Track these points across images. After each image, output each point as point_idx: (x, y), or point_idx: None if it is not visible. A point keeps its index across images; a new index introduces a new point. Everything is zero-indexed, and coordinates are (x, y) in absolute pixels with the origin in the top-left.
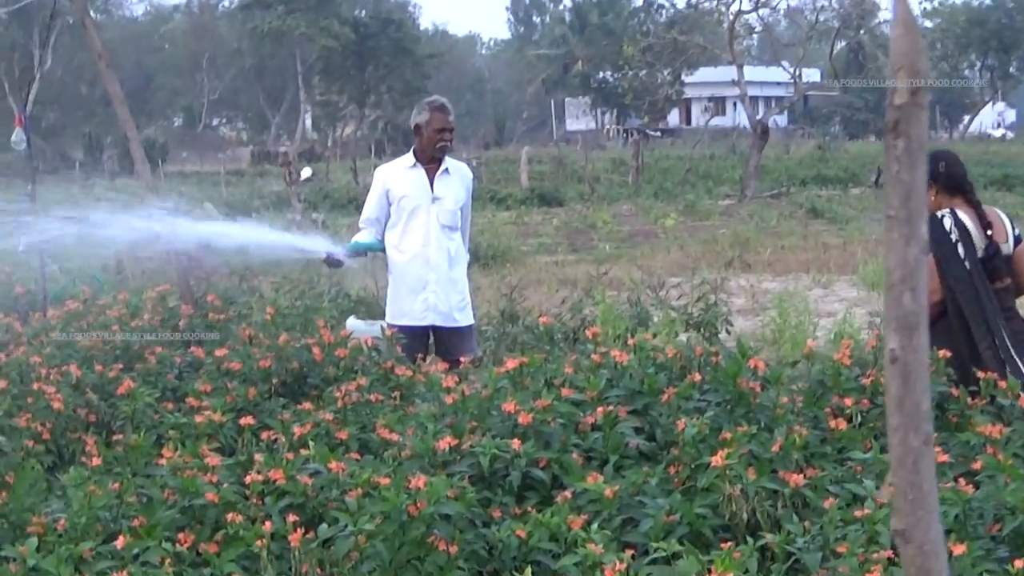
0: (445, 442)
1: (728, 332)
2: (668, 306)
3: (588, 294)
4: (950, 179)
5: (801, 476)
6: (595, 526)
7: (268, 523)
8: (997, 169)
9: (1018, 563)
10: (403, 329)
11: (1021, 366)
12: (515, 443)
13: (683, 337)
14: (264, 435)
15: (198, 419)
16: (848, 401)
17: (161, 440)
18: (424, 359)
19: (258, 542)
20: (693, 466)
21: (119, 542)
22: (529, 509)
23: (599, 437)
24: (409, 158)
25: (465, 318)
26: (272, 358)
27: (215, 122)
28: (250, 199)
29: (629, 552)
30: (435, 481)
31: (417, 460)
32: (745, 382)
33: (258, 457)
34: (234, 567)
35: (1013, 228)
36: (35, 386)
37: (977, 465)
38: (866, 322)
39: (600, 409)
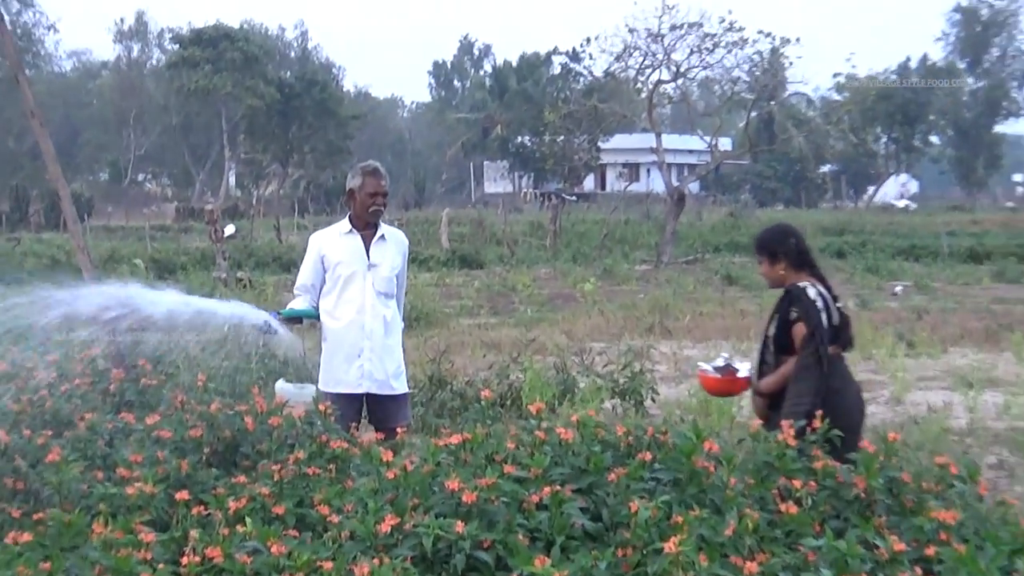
0: (387, 524)
1: (653, 400)
2: (594, 373)
3: (514, 359)
4: (800, 254)
5: (755, 563)
6: None
7: None
8: (903, 239)
9: None
10: (337, 397)
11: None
12: (459, 526)
13: (608, 405)
14: (196, 509)
15: (129, 491)
16: (796, 483)
17: (92, 512)
18: (357, 427)
19: None
20: (644, 551)
21: None
22: None
23: (545, 517)
24: (344, 224)
25: (401, 386)
26: (204, 427)
27: (140, 177)
28: (176, 255)
29: None
30: (379, 569)
31: (359, 543)
32: (700, 462)
33: (193, 534)
34: None
35: None
36: None
37: (931, 551)
38: None
39: (546, 489)
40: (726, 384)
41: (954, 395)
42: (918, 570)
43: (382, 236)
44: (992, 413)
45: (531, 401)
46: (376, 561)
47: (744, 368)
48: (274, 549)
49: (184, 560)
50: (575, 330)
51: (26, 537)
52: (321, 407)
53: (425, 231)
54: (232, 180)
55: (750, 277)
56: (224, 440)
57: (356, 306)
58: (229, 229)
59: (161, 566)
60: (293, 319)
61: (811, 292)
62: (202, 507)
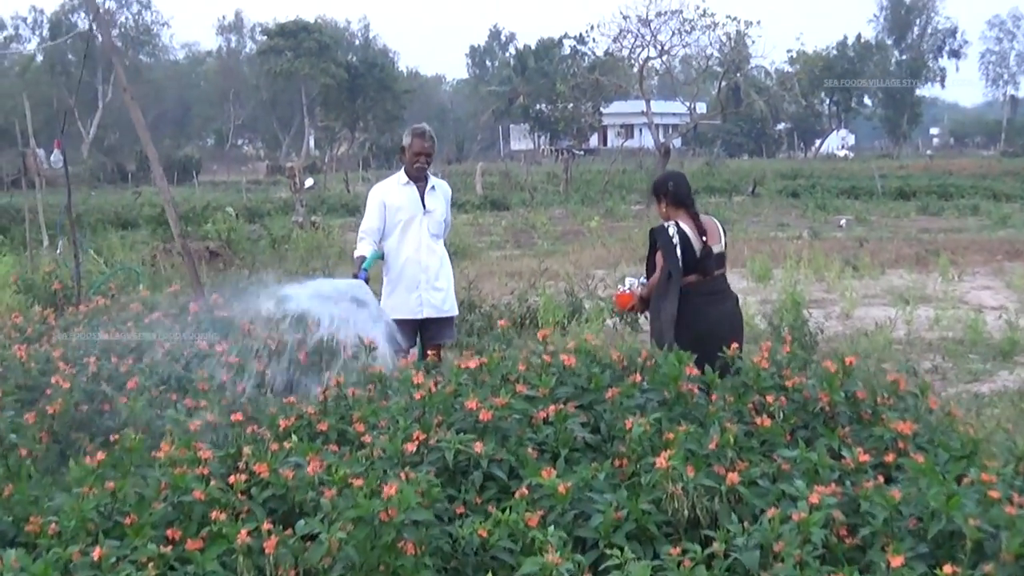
0: (412, 444)
1: (646, 317)
2: (597, 296)
3: (532, 286)
4: (676, 196)
5: (735, 474)
6: (551, 528)
7: (245, 530)
8: (844, 182)
9: (946, 568)
10: (398, 321)
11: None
12: (477, 446)
13: (609, 323)
14: (251, 428)
15: (192, 426)
16: (769, 399)
17: (161, 434)
18: (412, 346)
19: (238, 540)
20: (638, 463)
21: (96, 553)
22: (490, 509)
23: (551, 432)
24: (402, 176)
25: (452, 308)
26: (264, 357)
27: (239, 142)
28: (264, 204)
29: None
30: (404, 488)
31: (388, 460)
32: (684, 385)
33: (246, 450)
34: (216, 566)
35: (725, 232)
36: (53, 379)
37: (890, 458)
38: (758, 310)
39: (552, 407)
40: (624, 298)
41: (893, 310)
42: (880, 478)
43: (432, 187)
44: (925, 325)
45: (546, 322)
46: (403, 476)
47: (631, 284)
48: (311, 466)
49: (231, 479)
50: (582, 260)
51: (100, 457)
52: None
53: (463, 181)
54: (311, 143)
55: (723, 214)
56: (283, 369)
57: (414, 245)
58: (309, 182)
59: (213, 482)
60: (370, 266)
61: (671, 230)
62: (256, 425)
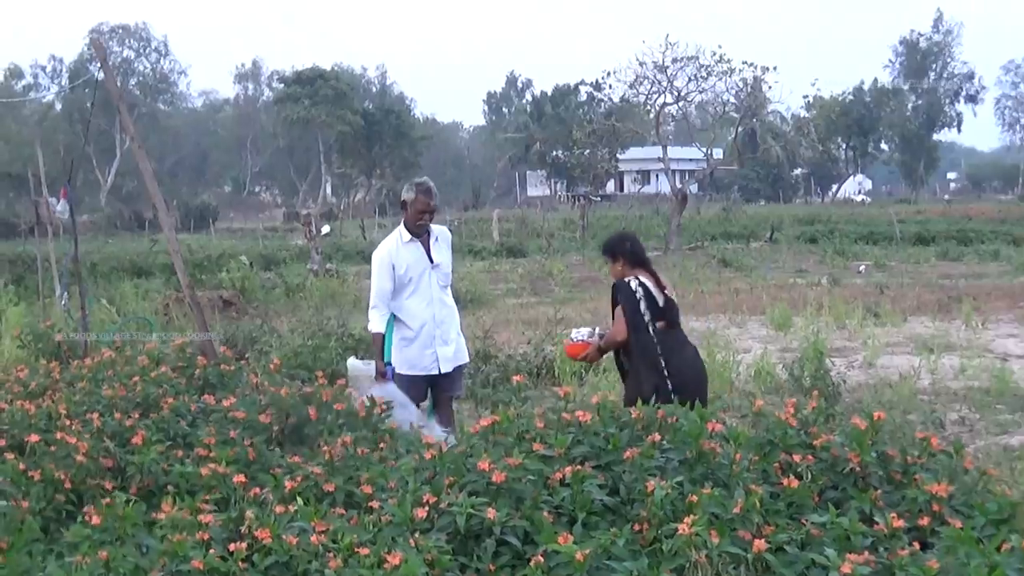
0: (422, 511)
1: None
2: None
3: (548, 335)
4: (634, 255)
5: (762, 540)
6: None
7: None
8: (862, 227)
9: None
10: (412, 378)
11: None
12: (490, 512)
13: None
14: (255, 491)
15: (203, 471)
16: (796, 458)
17: (166, 491)
18: (423, 400)
19: None
20: (660, 529)
21: None
22: None
23: (568, 495)
24: (403, 233)
25: (463, 357)
26: (271, 414)
27: (256, 189)
28: (279, 251)
29: None
30: (411, 558)
31: (397, 527)
32: (706, 443)
33: (249, 513)
34: None
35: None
36: (58, 435)
37: (924, 522)
38: (778, 358)
39: (569, 467)
40: (576, 348)
41: (916, 359)
42: (915, 544)
43: (436, 238)
44: (950, 374)
45: (563, 371)
46: (412, 542)
47: (584, 334)
48: (314, 538)
49: (232, 547)
50: (600, 307)
51: (96, 520)
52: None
53: (479, 227)
54: (328, 189)
55: (741, 260)
56: (290, 424)
57: (426, 301)
58: (325, 229)
59: (213, 551)
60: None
61: (633, 284)
62: (259, 489)
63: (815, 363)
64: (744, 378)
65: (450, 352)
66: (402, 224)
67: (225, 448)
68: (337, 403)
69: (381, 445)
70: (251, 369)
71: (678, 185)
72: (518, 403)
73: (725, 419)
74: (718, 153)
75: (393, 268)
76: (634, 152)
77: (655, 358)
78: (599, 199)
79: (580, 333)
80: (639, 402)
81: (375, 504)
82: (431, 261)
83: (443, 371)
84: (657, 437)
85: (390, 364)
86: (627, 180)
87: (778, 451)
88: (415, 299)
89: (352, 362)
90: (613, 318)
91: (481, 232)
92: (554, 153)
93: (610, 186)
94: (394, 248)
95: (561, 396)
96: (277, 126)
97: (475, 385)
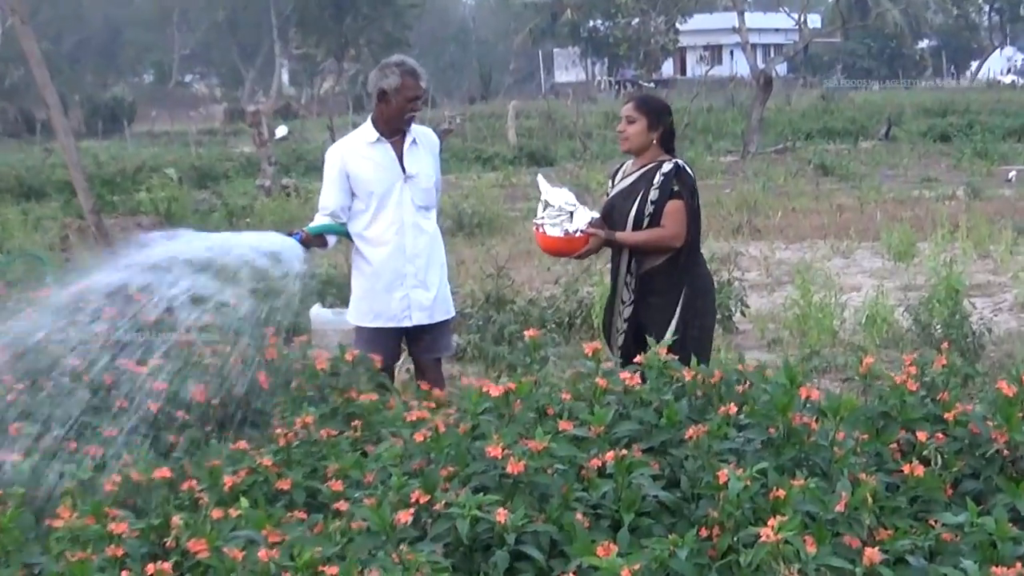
0: (409, 514)
1: (743, 314)
2: None
3: (585, 271)
4: (672, 135)
5: (875, 549)
6: None
7: None
8: (1013, 119)
9: None
10: (376, 332)
11: None
12: (501, 514)
13: None
14: (188, 484)
15: (107, 486)
16: (920, 436)
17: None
18: (395, 366)
19: None
20: (735, 534)
21: None
22: None
23: (609, 490)
24: (369, 131)
25: (448, 310)
26: (207, 385)
27: (187, 78)
28: (220, 161)
29: None
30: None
31: (375, 535)
32: (797, 417)
33: (177, 520)
34: None
35: None
36: None
37: None
38: (898, 299)
39: (611, 452)
40: (575, 242)
41: None
42: None
43: (414, 141)
44: None
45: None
46: (395, 557)
47: (581, 219)
48: (264, 552)
49: (151, 569)
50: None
51: None
52: (348, 356)
53: (491, 126)
54: (285, 78)
55: (846, 166)
56: (235, 397)
57: (395, 226)
58: (281, 131)
59: (126, 572)
60: (319, 237)
61: (692, 173)
62: (192, 483)
63: (948, 306)
64: (851, 327)
65: (427, 298)
66: (369, 120)
67: (146, 440)
68: (296, 368)
69: (355, 424)
70: (178, 325)
71: (760, 65)
72: (537, 365)
73: (824, 384)
74: (814, 21)
75: (348, 177)
76: (700, 20)
77: (709, 282)
78: (652, 85)
79: (562, 213)
80: (690, 354)
81: (345, 505)
82: (403, 171)
83: (419, 323)
84: (732, 409)
85: (302, 236)
86: (690, 59)
87: (896, 427)
88: (379, 222)
89: (317, 312)
90: (637, 211)
91: (493, 133)
92: (591, 23)
93: (667, 67)
94: (353, 148)
95: (589, 354)
96: None
97: (485, 340)
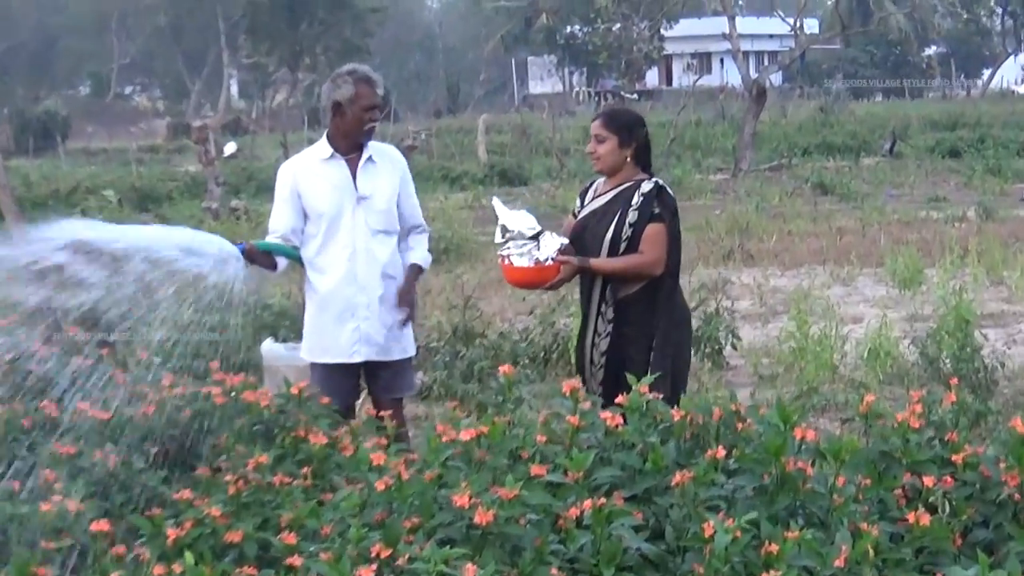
0: (369, 570)
1: (734, 347)
2: None
3: (561, 302)
4: (647, 151)
5: None
6: None
7: None
8: None
9: None
10: (328, 368)
11: None
12: (469, 570)
13: None
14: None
15: (43, 507)
16: (927, 480)
17: None
18: (354, 406)
19: None
20: None
21: None
22: None
23: (588, 542)
24: (324, 147)
25: (404, 349)
26: (151, 418)
27: (127, 90)
28: (162, 182)
29: None
30: None
31: None
32: (792, 461)
33: None
34: None
35: None
36: None
37: None
38: (903, 331)
39: (589, 501)
40: (546, 272)
41: None
42: None
43: (370, 158)
44: None
45: None
46: None
47: (550, 246)
48: None
49: None
50: None
51: None
52: (295, 390)
53: (459, 142)
54: (234, 90)
55: (847, 185)
56: (177, 437)
57: (347, 251)
58: (229, 148)
59: None
60: (267, 255)
61: (671, 193)
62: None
63: (958, 338)
64: (852, 361)
65: (380, 333)
66: (325, 135)
67: (77, 478)
68: (246, 405)
69: (305, 471)
70: (117, 360)
71: (753, 74)
72: (510, 405)
73: (822, 424)
74: (812, 26)
75: (299, 196)
76: (687, 26)
77: (687, 313)
78: (635, 96)
79: (527, 241)
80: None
81: (299, 560)
82: (356, 190)
83: (369, 358)
84: (721, 452)
85: (244, 247)
86: (677, 68)
87: (901, 471)
88: (330, 247)
89: (269, 347)
90: (618, 234)
91: (461, 149)
92: (568, 29)
93: (652, 77)
94: (305, 166)
95: (566, 392)
96: None
97: (452, 379)
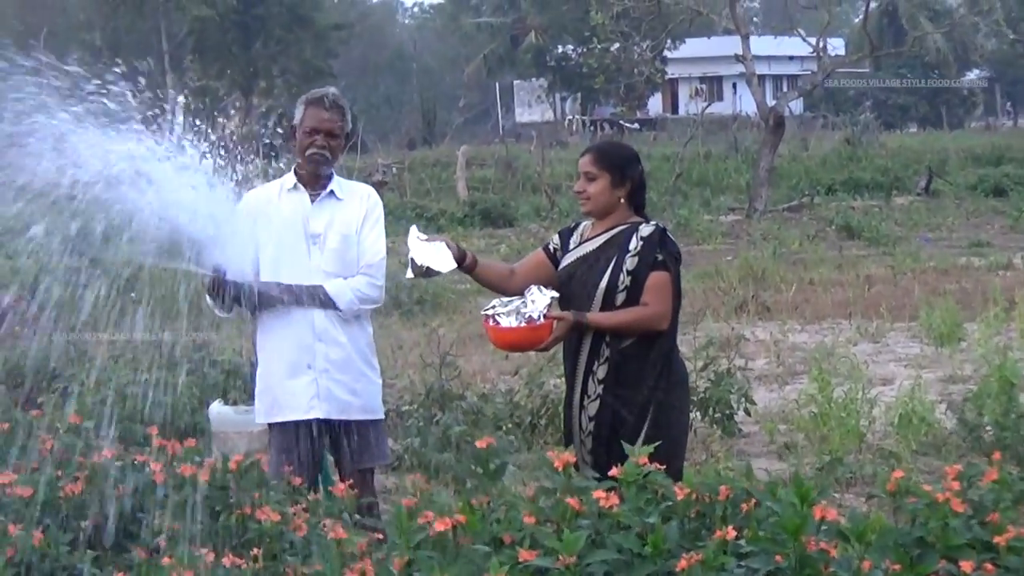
0: None
1: (748, 412)
2: None
3: (550, 361)
4: (643, 189)
5: None
6: None
7: None
8: None
9: None
10: (282, 429)
11: None
12: None
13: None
14: None
15: None
16: (966, 566)
17: None
18: (315, 473)
19: None
20: None
21: None
22: None
23: None
24: (289, 177)
25: (372, 409)
26: (80, 490)
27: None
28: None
29: None
30: None
31: None
32: (813, 541)
33: None
34: None
35: None
36: None
37: None
38: (939, 394)
39: None
40: (539, 331)
41: None
42: None
43: (331, 192)
44: None
45: None
46: None
47: (540, 300)
48: None
49: None
50: None
51: None
52: (233, 464)
53: (435, 176)
54: (179, 117)
55: (877, 227)
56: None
57: None
58: None
59: None
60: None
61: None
62: None
63: (1001, 402)
64: (881, 428)
65: (340, 388)
66: (294, 167)
67: None
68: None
69: (255, 552)
70: (47, 424)
71: (770, 101)
72: (491, 479)
73: (847, 499)
74: (837, 47)
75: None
76: (695, 46)
77: (685, 373)
78: (636, 126)
79: (520, 300)
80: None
81: None
82: (307, 227)
83: (331, 417)
84: (732, 533)
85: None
86: (683, 94)
87: (935, 556)
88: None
89: (218, 410)
90: (614, 283)
91: (438, 185)
92: (560, 49)
93: (655, 104)
94: (265, 198)
95: (558, 466)
96: (89, 10)
97: (426, 447)
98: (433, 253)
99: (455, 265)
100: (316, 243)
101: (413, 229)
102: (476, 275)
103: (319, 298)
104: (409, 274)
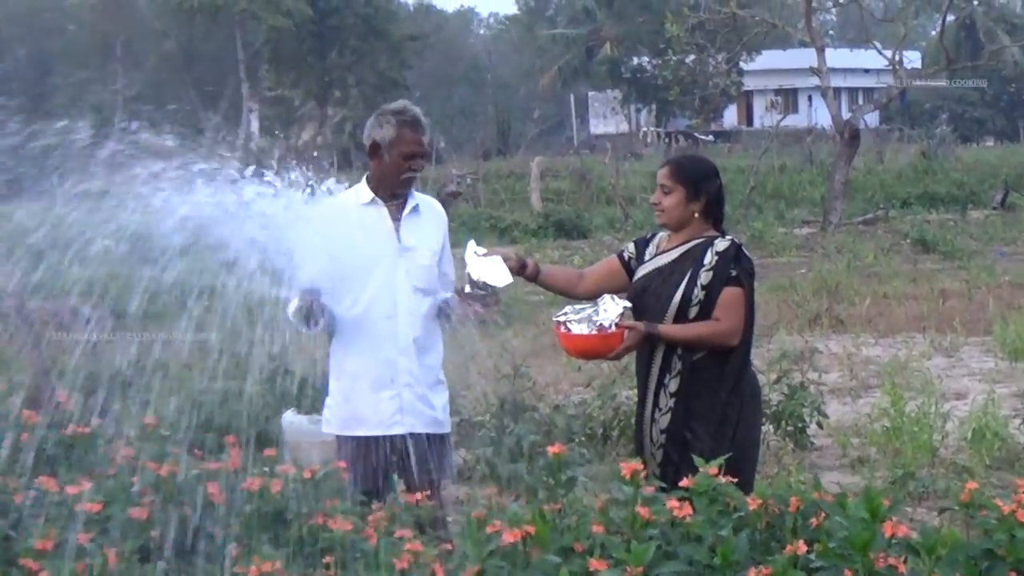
0: None
1: (820, 426)
2: None
3: (623, 372)
4: (719, 204)
5: None
6: None
7: None
8: None
9: None
10: (358, 444)
11: None
12: None
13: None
14: None
15: None
16: None
17: None
18: (385, 488)
19: None
20: None
21: None
22: None
23: None
24: (363, 191)
25: (444, 423)
26: (151, 507)
27: (132, 125)
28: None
29: None
30: None
31: None
32: (882, 556)
33: None
34: None
35: None
36: None
37: None
38: (1013, 409)
39: None
40: (611, 340)
41: None
42: None
43: (415, 207)
44: None
45: None
46: None
47: (612, 309)
48: None
49: None
50: None
51: None
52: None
53: (509, 188)
54: (254, 126)
55: (952, 241)
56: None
57: (385, 308)
58: None
59: None
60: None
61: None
62: None
63: None
64: (954, 443)
65: (421, 402)
66: (364, 179)
67: (67, 562)
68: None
69: (327, 559)
70: (119, 432)
71: (845, 114)
72: (563, 489)
73: (919, 514)
74: (913, 60)
75: (332, 244)
76: (770, 59)
77: (758, 387)
78: (711, 138)
79: (593, 308)
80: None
81: None
82: (399, 241)
83: (414, 430)
84: (802, 547)
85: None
86: (758, 106)
87: (1006, 569)
88: (366, 304)
89: (290, 419)
90: (688, 297)
91: (513, 196)
92: (635, 61)
93: (730, 116)
94: (342, 211)
95: (626, 476)
96: (167, 19)
97: (498, 457)
98: (490, 268)
99: (511, 279)
100: (405, 256)
101: (470, 244)
102: (541, 281)
103: (445, 313)
104: (467, 289)
